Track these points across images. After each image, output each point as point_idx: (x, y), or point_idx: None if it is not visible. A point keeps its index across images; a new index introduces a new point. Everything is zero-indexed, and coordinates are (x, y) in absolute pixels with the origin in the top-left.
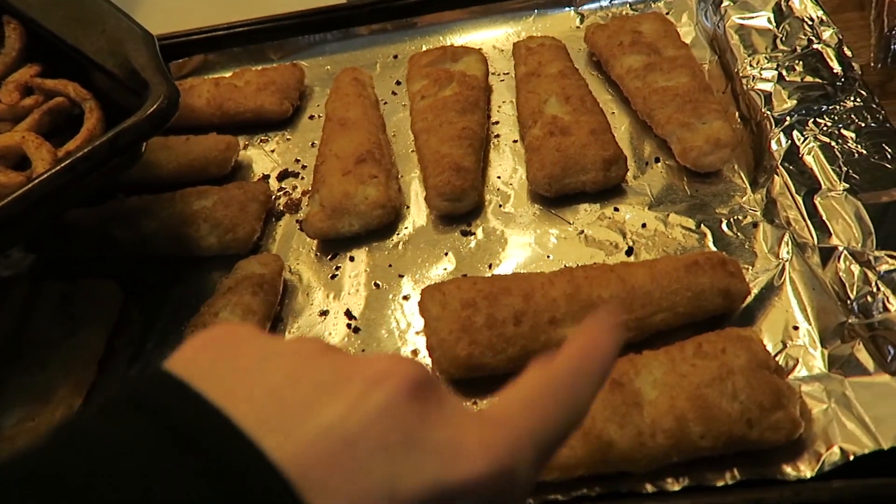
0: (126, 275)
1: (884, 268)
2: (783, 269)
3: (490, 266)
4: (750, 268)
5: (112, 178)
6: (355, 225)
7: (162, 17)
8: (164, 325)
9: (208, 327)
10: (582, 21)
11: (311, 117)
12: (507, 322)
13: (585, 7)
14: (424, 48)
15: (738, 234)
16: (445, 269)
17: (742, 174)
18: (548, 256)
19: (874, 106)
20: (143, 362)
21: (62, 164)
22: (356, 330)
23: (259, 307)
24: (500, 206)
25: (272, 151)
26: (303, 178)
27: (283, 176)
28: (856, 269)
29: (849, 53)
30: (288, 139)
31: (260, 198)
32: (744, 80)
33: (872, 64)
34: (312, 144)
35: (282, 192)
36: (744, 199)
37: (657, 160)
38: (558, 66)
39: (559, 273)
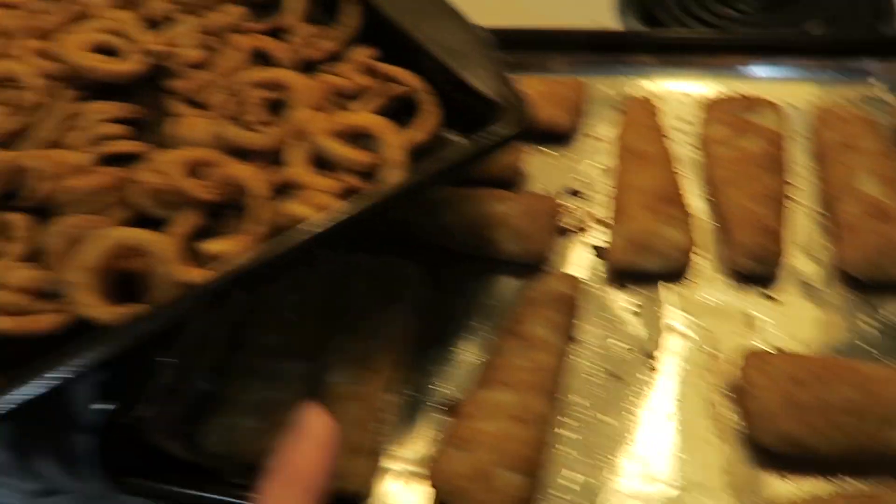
0: (423, 262)
1: None
2: None
3: (795, 339)
4: None
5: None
6: (655, 263)
7: None
8: (461, 314)
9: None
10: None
11: (587, 135)
12: (840, 410)
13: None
14: (715, 91)
15: None
16: (744, 332)
17: None
18: (871, 350)
19: None
20: (438, 349)
21: (468, 152)
22: (651, 369)
23: (564, 325)
24: (803, 276)
25: (551, 165)
26: (586, 198)
27: (566, 193)
28: None
29: None
30: (565, 155)
31: (552, 212)
32: None
33: None
34: (597, 167)
35: (566, 210)
36: None
37: None
38: (873, 143)
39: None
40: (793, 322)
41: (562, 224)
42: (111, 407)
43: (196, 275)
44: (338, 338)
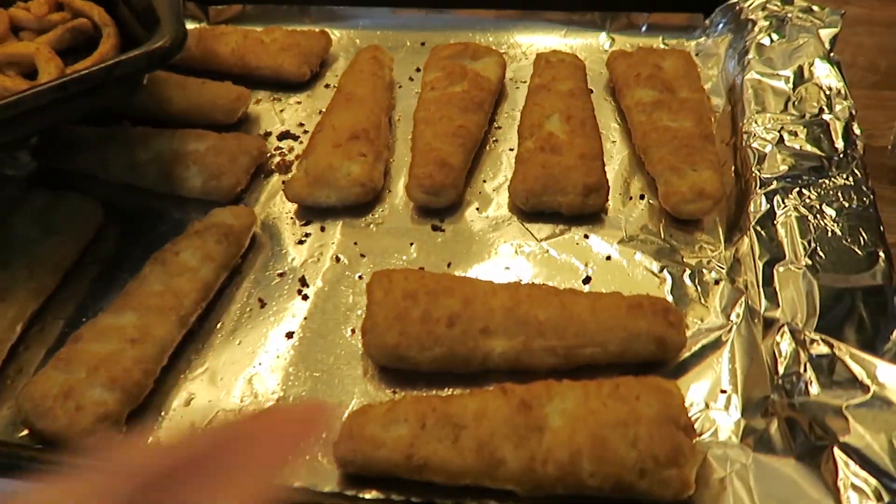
0: (113, 199)
1: (815, 351)
2: (730, 331)
3: (449, 265)
4: (700, 322)
5: (109, 103)
6: (332, 197)
7: None
8: (139, 253)
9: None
10: (611, 45)
11: (328, 86)
12: (441, 321)
13: (618, 33)
14: (452, 41)
15: (698, 287)
16: (405, 258)
17: (721, 229)
18: (506, 267)
19: (864, 189)
20: (106, 283)
21: (55, 82)
22: (305, 297)
23: (219, 255)
24: (478, 209)
25: (281, 111)
26: (301, 142)
27: (282, 136)
28: (790, 346)
29: (857, 131)
30: (299, 103)
31: (253, 152)
32: (745, 136)
33: (891, 147)
34: (320, 112)
35: (278, 152)
36: (714, 253)
37: (642, 197)
38: (569, 85)
39: (505, 286)
40: (452, 251)
41: (269, 166)
42: None
43: None
44: None
